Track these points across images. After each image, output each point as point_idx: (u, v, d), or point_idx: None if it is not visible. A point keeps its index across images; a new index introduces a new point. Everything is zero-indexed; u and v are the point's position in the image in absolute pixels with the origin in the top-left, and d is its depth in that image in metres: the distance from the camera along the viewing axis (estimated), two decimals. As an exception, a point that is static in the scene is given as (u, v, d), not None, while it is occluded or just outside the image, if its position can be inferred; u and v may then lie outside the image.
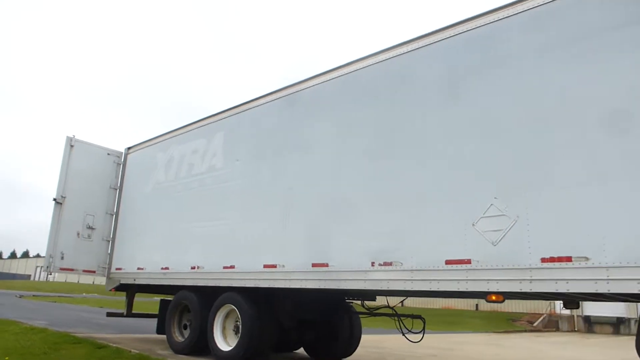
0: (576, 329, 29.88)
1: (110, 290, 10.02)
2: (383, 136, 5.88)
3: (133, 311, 10.22)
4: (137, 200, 9.91)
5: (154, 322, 14.08)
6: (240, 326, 7.06)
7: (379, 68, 6.12)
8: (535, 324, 30.41)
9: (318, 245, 6.21)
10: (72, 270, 9.82)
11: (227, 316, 7.46)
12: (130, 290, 10.15)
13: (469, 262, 4.85)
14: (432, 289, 5.10)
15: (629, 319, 28.35)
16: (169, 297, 9.32)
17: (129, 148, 10.73)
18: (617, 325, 28.66)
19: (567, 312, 31.27)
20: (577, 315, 30.18)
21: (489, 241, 4.75)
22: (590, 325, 29.64)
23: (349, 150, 6.21)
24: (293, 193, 6.71)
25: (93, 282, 57.93)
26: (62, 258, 9.63)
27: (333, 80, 6.61)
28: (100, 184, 10.40)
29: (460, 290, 4.89)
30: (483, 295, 5.14)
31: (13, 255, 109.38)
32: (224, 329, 7.44)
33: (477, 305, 35.10)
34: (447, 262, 4.99)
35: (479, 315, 33.14)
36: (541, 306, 32.69)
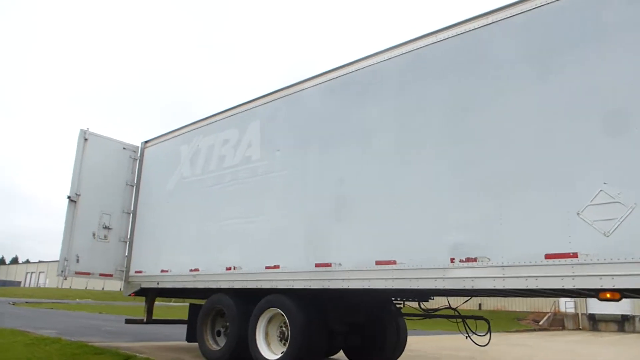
0: (580, 327, 29.64)
1: (130, 295, 9.28)
2: (456, 118, 5.29)
3: (153, 317, 9.50)
4: (157, 197, 9.19)
5: (173, 329, 13.42)
6: (289, 332, 6.40)
7: (450, 44, 5.52)
8: (540, 323, 30.10)
9: (382, 241, 5.59)
10: (88, 274, 9.07)
11: (270, 321, 6.80)
12: (149, 295, 9.44)
13: (575, 255, 4.27)
14: (528, 287, 4.51)
15: (633, 317, 28.17)
16: (195, 301, 8.66)
17: (145, 142, 10.01)
18: (622, 323, 28.45)
19: (572, 310, 31.04)
20: (582, 314, 29.95)
21: (599, 232, 4.18)
22: (595, 323, 29.41)
23: (415, 135, 5.61)
24: (347, 185, 6.08)
25: (86, 287, 56.72)
26: (78, 261, 8.88)
27: (395, 59, 5.99)
28: (116, 180, 9.66)
29: (566, 287, 4.32)
30: (594, 293, 4.56)
31: (2, 262, 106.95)
32: (266, 335, 6.78)
33: (480, 304, 34.72)
34: (548, 257, 4.41)
35: (482, 314, 32.79)
36: (545, 304, 32.36)
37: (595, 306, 29.05)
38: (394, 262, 5.44)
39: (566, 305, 30.95)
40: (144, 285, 8.93)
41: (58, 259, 8.78)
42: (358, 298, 6.88)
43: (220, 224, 7.64)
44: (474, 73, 5.25)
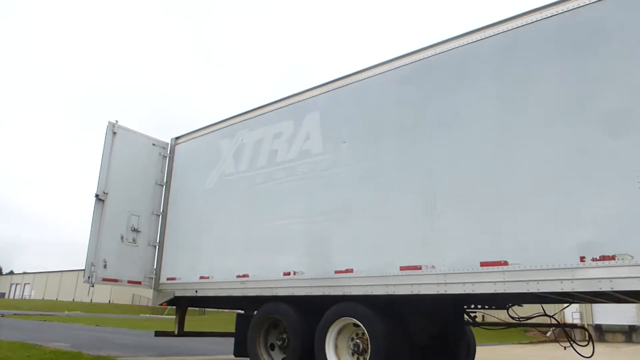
0: (587, 338, 29.07)
1: (161, 304, 8.43)
2: (574, 99, 4.69)
3: (185, 330, 8.66)
4: (193, 197, 8.40)
5: (197, 342, 12.49)
6: (367, 344, 5.68)
7: (561, 20, 4.94)
8: (548, 334, 29.56)
9: (487, 240, 4.93)
10: (116, 281, 8.21)
11: (339, 332, 6.05)
12: (181, 304, 8.61)
13: None
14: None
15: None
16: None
17: (176, 138, 9.24)
18: (629, 333, 28.05)
19: (577, 321, 30.62)
20: (588, 324, 29.53)
21: None
22: (602, 333, 28.97)
23: (521, 120, 4.99)
24: (436, 178, 5.42)
25: (73, 299, 54.80)
26: (105, 266, 8.03)
27: (491, 39, 5.39)
28: (144, 179, 8.85)
29: None
30: None
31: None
32: (336, 348, 6.03)
33: (483, 315, 34.23)
34: None
35: (480, 324, 31.99)
36: (547, 315, 31.90)
37: (602, 317, 28.67)
38: (505, 263, 4.77)
39: (572, 315, 30.53)
40: (178, 294, 8.10)
41: (84, 264, 7.90)
42: (434, 306, 6.18)
43: (274, 224, 6.89)
44: (596, 50, 4.67)
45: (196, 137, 8.83)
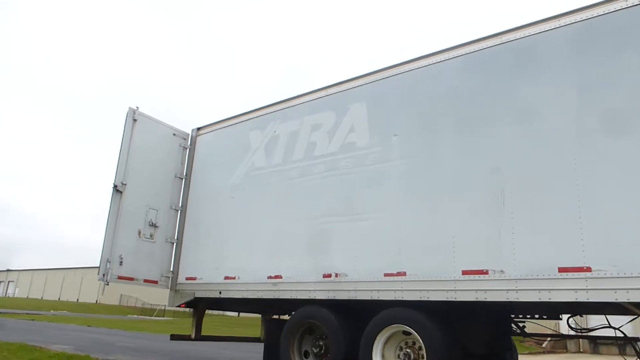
0: (582, 350, 28.85)
1: (179, 306, 7.87)
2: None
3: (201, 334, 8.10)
4: (217, 191, 7.87)
5: (203, 346, 11.84)
6: (422, 354, 5.20)
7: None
8: (544, 345, 29.25)
9: (565, 242, 4.50)
10: (131, 279, 7.63)
11: (387, 341, 5.56)
12: (199, 306, 8.05)
13: None
14: None
15: (636, 339, 27.45)
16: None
17: (198, 129, 8.70)
18: (623, 346, 27.75)
19: (572, 332, 30.35)
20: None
21: None
22: (596, 346, 28.73)
23: (603, 112, 4.59)
24: (505, 174, 4.99)
25: (59, 298, 53.41)
26: (121, 263, 7.45)
27: (566, 28, 4.99)
28: (163, 171, 8.30)
29: None
30: None
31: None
32: (382, 357, 5.54)
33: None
34: None
35: None
36: (545, 326, 31.63)
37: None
38: (588, 269, 4.34)
39: (568, 327, 30.24)
40: (199, 295, 7.54)
41: (99, 261, 7.30)
42: (483, 313, 5.73)
43: (312, 222, 6.39)
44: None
45: (220, 129, 8.31)
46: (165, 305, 49.68)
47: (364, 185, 6.03)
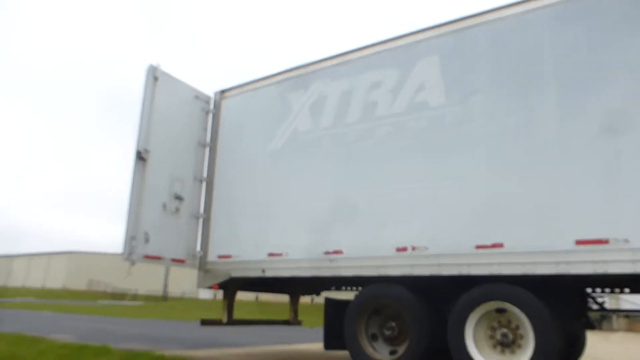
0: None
1: (212, 287, 7.05)
2: None
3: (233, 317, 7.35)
4: (253, 159, 7.03)
5: (225, 332, 10.97)
6: (525, 336, 4.66)
7: None
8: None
9: None
10: (158, 258, 6.74)
11: (478, 321, 4.98)
12: (230, 287, 7.27)
13: None
14: None
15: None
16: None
17: (222, 91, 7.77)
18: (599, 322, 28.21)
19: None
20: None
21: None
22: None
23: None
24: (621, 136, 4.42)
25: (23, 285, 50.85)
26: (147, 241, 6.54)
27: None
28: (187, 137, 7.38)
29: None
30: None
31: None
32: (474, 339, 4.96)
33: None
34: None
35: None
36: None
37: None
38: None
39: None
40: (236, 274, 6.75)
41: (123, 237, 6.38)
42: (563, 287, 5.21)
43: (379, 190, 5.70)
44: None
45: (250, 91, 7.43)
46: (136, 290, 48.15)
47: (444, 148, 5.37)
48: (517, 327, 4.83)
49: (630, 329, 22.49)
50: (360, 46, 6.40)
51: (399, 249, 5.40)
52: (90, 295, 44.55)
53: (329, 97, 6.44)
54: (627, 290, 5.72)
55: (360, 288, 6.65)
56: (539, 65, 5.01)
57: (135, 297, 44.98)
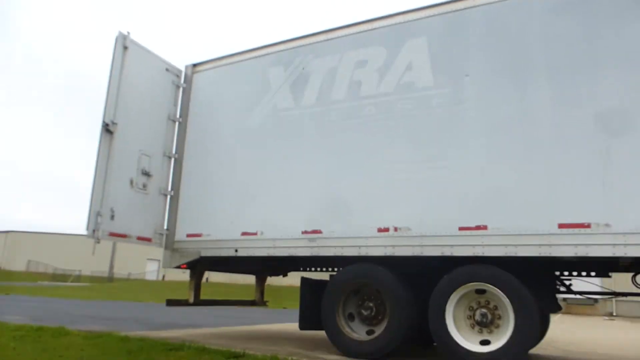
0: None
1: (180, 267, 6.77)
2: None
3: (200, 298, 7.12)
4: (226, 136, 6.76)
5: (190, 312, 10.55)
6: (503, 317, 4.76)
7: None
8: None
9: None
10: (124, 236, 6.37)
11: (458, 301, 5.04)
12: (197, 268, 7.03)
13: None
14: None
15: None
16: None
17: (194, 65, 7.41)
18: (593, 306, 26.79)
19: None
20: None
21: None
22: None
23: None
24: (610, 124, 4.54)
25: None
26: (112, 217, 6.17)
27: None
28: (156, 112, 6.99)
29: None
30: None
31: None
32: (454, 319, 5.02)
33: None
34: None
35: None
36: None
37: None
38: None
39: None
40: (206, 254, 6.51)
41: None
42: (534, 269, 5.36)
43: (360, 170, 5.62)
44: None
45: (225, 65, 7.12)
46: (80, 271, 46.22)
47: (432, 130, 5.35)
48: (496, 308, 4.94)
49: (567, 312, 23.74)
50: (346, 24, 6.24)
51: (380, 230, 5.36)
52: (29, 277, 42.29)
53: (312, 74, 6.27)
54: (592, 273, 6.00)
55: (336, 269, 6.64)
56: (532, 50, 5.04)
57: (78, 278, 43.11)
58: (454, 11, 5.53)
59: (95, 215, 5.96)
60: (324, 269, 7.23)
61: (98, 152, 6.10)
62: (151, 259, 51.24)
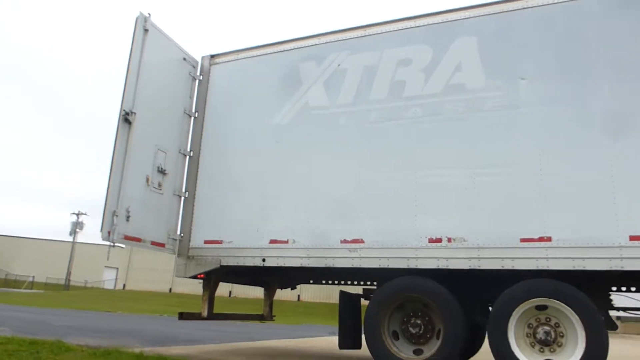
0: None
1: (197, 277, 6.17)
2: None
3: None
4: (252, 134, 6.26)
5: (196, 326, 9.63)
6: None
7: None
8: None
9: None
10: (138, 240, 5.74)
11: (519, 319, 4.72)
12: (212, 278, 6.45)
13: None
14: None
15: None
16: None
17: (212, 56, 6.88)
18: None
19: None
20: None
21: None
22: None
23: None
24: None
25: None
26: (128, 219, 5.54)
27: None
28: (173, 104, 6.43)
29: None
30: None
31: None
32: (515, 337, 4.69)
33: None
34: None
35: None
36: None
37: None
38: None
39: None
40: (227, 263, 5.96)
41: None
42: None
43: (410, 175, 5.25)
44: None
45: (249, 58, 6.64)
46: (33, 277, 43.53)
47: (485, 134, 5.06)
48: (557, 325, 4.66)
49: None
50: (386, 20, 5.91)
51: (432, 240, 5.01)
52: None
53: (349, 71, 5.89)
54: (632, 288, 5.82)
55: (371, 282, 6.24)
56: (591, 53, 4.86)
57: (31, 285, 40.57)
58: (507, 11, 5.30)
59: (111, 215, 5.33)
60: (348, 282, 6.79)
61: (115, 145, 5.48)
62: (109, 267, 49.12)
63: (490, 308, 4.92)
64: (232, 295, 34.26)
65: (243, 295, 32.91)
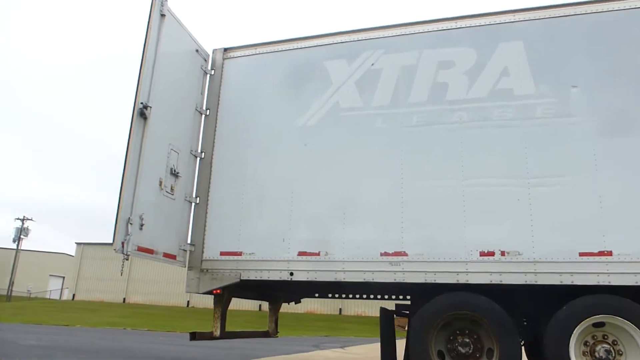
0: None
1: (212, 292, 5.54)
2: None
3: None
4: (274, 135, 5.74)
5: (171, 344, 8.65)
6: (622, 352, 4.26)
7: None
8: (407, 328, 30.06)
9: None
10: (151, 252, 5.07)
11: (578, 337, 4.47)
12: (225, 294, 5.84)
13: None
14: None
15: None
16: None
17: (226, 50, 6.32)
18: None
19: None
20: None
21: None
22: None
23: None
24: None
25: None
26: (141, 227, 4.88)
27: None
28: (184, 100, 5.82)
29: None
30: None
31: None
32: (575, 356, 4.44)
33: (340, 309, 34.51)
34: None
35: (344, 319, 31.77)
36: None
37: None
38: None
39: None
40: (248, 277, 5.40)
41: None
42: None
43: (456, 183, 4.93)
44: None
45: (267, 53, 6.14)
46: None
47: (537, 142, 4.83)
48: (615, 343, 4.45)
49: None
50: (426, 19, 5.60)
51: (483, 254, 4.69)
52: None
53: (384, 71, 5.52)
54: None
55: (403, 297, 5.84)
56: (643, 62, 4.74)
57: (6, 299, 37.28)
58: (556, 17, 5.13)
59: (125, 223, 4.67)
60: (357, 296, 6.34)
61: (129, 143, 4.83)
62: (54, 275, 46.20)
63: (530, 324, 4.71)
64: (190, 306, 32.98)
65: (202, 305, 31.62)
